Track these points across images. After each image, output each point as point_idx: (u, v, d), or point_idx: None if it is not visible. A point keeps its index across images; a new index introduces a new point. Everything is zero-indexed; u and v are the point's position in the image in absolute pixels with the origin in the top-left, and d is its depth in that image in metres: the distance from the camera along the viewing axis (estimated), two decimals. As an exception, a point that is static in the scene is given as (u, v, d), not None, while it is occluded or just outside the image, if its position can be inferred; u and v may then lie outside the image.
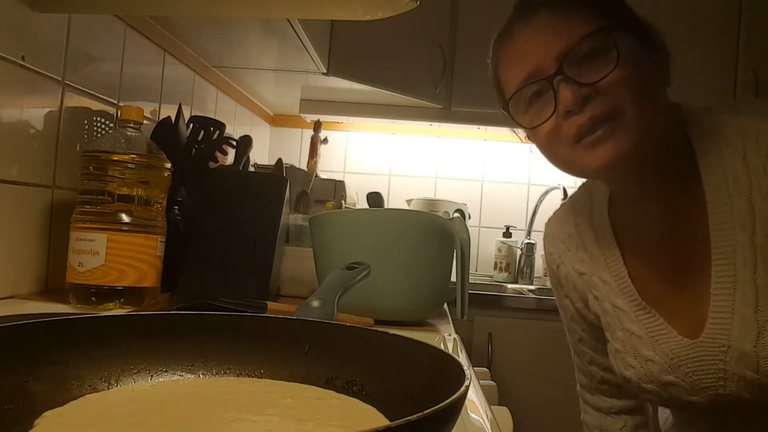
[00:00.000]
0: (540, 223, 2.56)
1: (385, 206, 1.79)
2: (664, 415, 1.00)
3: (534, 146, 0.81)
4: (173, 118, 1.19)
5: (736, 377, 0.72)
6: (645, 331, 0.80)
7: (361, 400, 0.47)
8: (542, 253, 2.46)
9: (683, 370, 0.76)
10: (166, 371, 0.49)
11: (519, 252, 2.51)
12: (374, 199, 1.60)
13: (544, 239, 0.97)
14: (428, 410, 0.31)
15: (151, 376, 0.48)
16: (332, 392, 0.48)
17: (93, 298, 0.88)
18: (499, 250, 2.50)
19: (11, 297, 0.94)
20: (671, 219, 0.78)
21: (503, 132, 2.49)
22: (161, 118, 1.23)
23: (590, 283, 0.87)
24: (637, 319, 0.81)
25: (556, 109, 0.73)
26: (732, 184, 0.72)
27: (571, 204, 0.93)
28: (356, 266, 0.76)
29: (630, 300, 0.82)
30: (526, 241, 2.50)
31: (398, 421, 0.29)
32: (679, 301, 0.79)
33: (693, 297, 0.77)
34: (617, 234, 0.84)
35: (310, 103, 2.30)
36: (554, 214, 0.96)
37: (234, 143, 1.27)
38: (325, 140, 2.56)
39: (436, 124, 2.44)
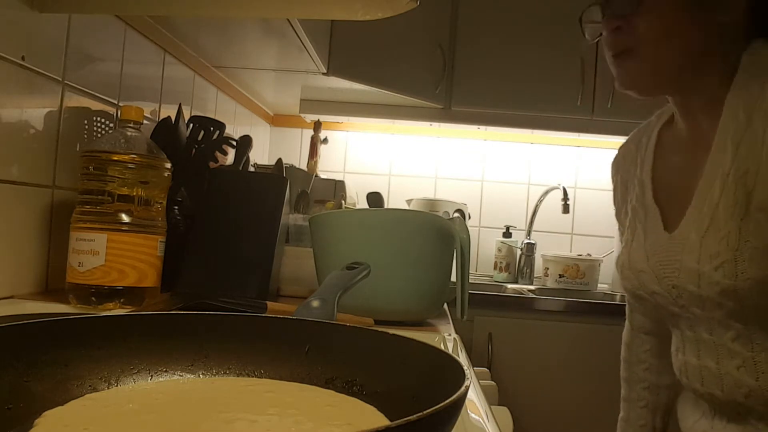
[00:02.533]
0: (540, 223, 2.57)
1: (385, 206, 1.79)
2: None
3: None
4: (173, 118, 1.19)
5: (685, 269, 0.82)
6: (645, 225, 0.91)
7: (361, 400, 0.47)
8: (542, 253, 2.46)
9: (655, 259, 0.87)
10: (166, 371, 0.49)
11: (519, 252, 2.51)
12: (374, 199, 1.60)
13: (614, 159, 1.07)
14: (428, 410, 0.31)
15: (151, 376, 0.48)
16: (332, 392, 0.48)
17: (93, 298, 0.88)
18: (499, 250, 2.50)
19: (11, 297, 0.94)
20: (697, 134, 0.88)
21: (503, 132, 2.50)
22: (161, 118, 1.23)
23: (630, 188, 0.98)
24: (647, 215, 0.92)
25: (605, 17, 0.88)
26: (744, 116, 0.78)
27: (645, 126, 1.03)
28: (356, 266, 0.76)
29: (646, 198, 0.93)
30: (526, 241, 2.50)
31: (398, 421, 0.29)
32: (674, 202, 0.89)
33: (687, 201, 0.86)
34: (659, 144, 0.96)
35: (310, 103, 2.30)
36: (629, 137, 1.05)
37: (234, 143, 1.27)
38: (325, 140, 2.56)
39: (436, 124, 2.44)
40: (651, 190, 0.93)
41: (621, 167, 1.03)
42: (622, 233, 1.01)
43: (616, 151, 1.09)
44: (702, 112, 0.87)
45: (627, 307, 1.09)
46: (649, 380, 1.06)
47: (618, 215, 1.04)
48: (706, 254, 0.79)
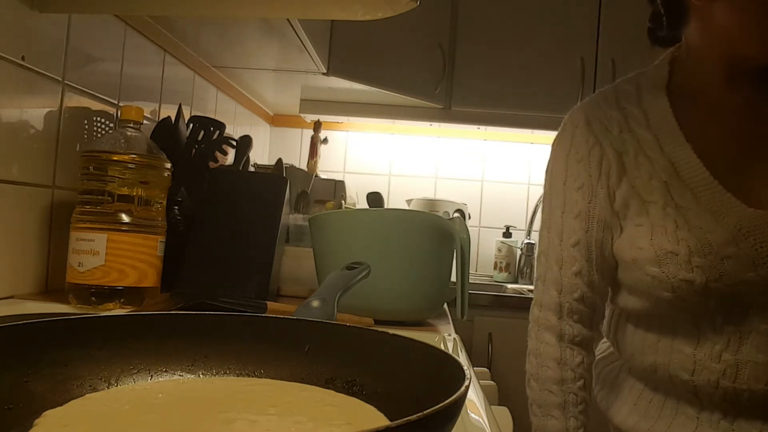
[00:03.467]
0: (540, 223, 2.57)
1: (385, 206, 1.79)
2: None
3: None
4: (173, 118, 1.19)
5: None
6: (706, 206, 0.80)
7: (361, 400, 0.47)
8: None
9: (749, 241, 0.77)
10: (166, 371, 0.49)
11: (519, 252, 2.51)
12: (374, 199, 1.60)
13: (569, 124, 0.94)
14: (428, 410, 0.31)
15: (151, 376, 0.48)
16: (332, 392, 0.48)
17: (93, 298, 0.88)
18: (499, 250, 2.50)
19: (11, 297, 0.94)
20: (756, 107, 0.83)
21: (503, 132, 2.50)
22: (161, 118, 1.23)
23: (632, 163, 0.85)
24: (698, 194, 0.81)
25: None
26: None
27: (613, 91, 0.91)
28: (356, 266, 0.76)
29: (694, 176, 0.81)
30: (526, 241, 2.50)
31: (398, 421, 0.29)
32: (747, 178, 0.81)
33: (762, 174, 0.79)
34: (678, 118, 0.84)
35: (310, 103, 2.30)
36: (584, 101, 0.94)
37: (234, 143, 1.27)
38: (325, 140, 2.56)
39: (436, 124, 2.44)
40: (701, 166, 0.81)
41: (606, 136, 0.88)
42: (618, 214, 0.87)
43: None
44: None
45: (557, 318, 0.92)
46: (585, 400, 0.90)
47: (611, 199, 0.87)
48: None
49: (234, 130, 1.98)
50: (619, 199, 0.87)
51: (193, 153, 1.20)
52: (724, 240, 0.78)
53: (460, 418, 0.36)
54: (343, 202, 1.84)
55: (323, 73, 1.74)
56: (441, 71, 2.19)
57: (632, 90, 0.89)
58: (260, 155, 2.45)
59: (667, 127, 0.84)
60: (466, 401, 0.37)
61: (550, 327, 0.94)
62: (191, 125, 1.23)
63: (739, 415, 0.81)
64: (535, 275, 0.99)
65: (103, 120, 1.14)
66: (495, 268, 2.51)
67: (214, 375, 0.50)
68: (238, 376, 0.50)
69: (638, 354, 0.91)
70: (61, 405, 0.42)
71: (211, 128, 1.23)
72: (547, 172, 0.98)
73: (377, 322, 0.98)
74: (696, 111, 0.86)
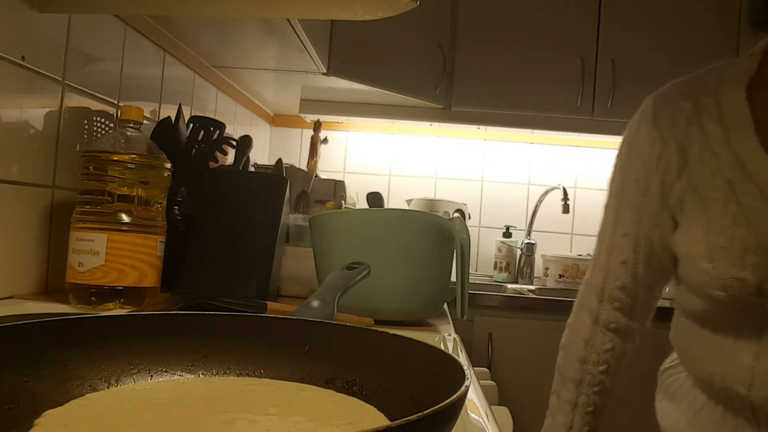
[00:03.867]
0: (540, 223, 2.57)
1: (385, 206, 1.79)
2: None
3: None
4: (173, 118, 1.19)
5: None
6: None
7: (361, 400, 0.47)
8: (542, 253, 2.46)
9: None
10: (166, 371, 0.49)
11: (519, 252, 2.51)
12: (374, 199, 1.60)
13: (642, 117, 0.90)
14: (428, 410, 0.31)
15: (151, 376, 0.48)
16: (332, 392, 0.48)
17: (93, 298, 0.88)
18: (499, 250, 2.50)
19: (11, 297, 0.94)
20: None
21: (503, 132, 2.50)
22: (161, 118, 1.23)
23: (696, 158, 0.82)
24: (764, 190, 0.76)
25: None
26: None
27: (692, 81, 0.87)
28: (356, 266, 0.76)
29: (761, 170, 0.77)
30: (526, 241, 2.50)
31: (398, 421, 0.29)
32: None
33: None
34: (756, 112, 0.80)
35: (310, 103, 2.30)
36: (662, 90, 0.90)
37: (234, 143, 1.27)
38: (325, 140, 2.56)
39: (436, 124, 2.44)
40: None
41: (672, 129, 0.84)
42: (673, 208, 0.85)
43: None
44: None
45: (597, 301, 0.95)
46: (604, 384, 0.94)
47: (667, 192, 0.85)
48: None
49: (234, 130, 1.98)
50: (676, 194, 0.84)
51: (193, 153, 1.20)
52: None
53: (460, 418, 0.36)
54: (343, 202, 1.84)
55: (323, 73, 1.74)
56: (441, 71, 2.19)
57: (712, 80, 0.85)
58: (260, 155, 2.45)
59: (739, 120, 0.80)
60: (466, 401, 0.37)
61: (589, 308, 0.97)
62: (191, 125, 1.23)
63: None
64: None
65: (103, 120, 1.14)
66: (495, 268, 2.51)
67: (214, 375, 0.50)
68: (238, 376, 0.50)
69: (698, 362, 0.87)
70: (61, 405, 0.42)
71: (211, 128, 1.23)
72: (616, 155, 0.97)
73: (377, 322, 0.98)
74: None
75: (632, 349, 0.97)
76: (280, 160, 1.64)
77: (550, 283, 2.39)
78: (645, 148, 0.88)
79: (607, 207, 0.97)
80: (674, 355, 0.99)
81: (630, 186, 0.91)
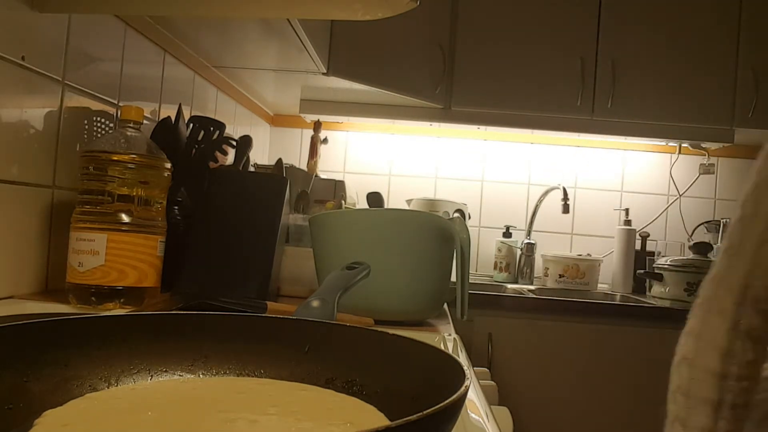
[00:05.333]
0: (540, 223, 2.57)
1: (385, 206, 1.79)
2: None
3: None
4: (173, 118, 1.19)
5: None
6: None
7: (361, 400, 0.47)
8: (542, 253, 2.46)
9: None
10: (166, 371, 0.49)
11: (519, 252, 2.51)
12: (374, 199, 1.60)
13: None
14: (428, 410, 0.31)
15: (151, 376, 0.48)
16: (332, 392, 0.48)
17: (93, 298, 0.88)
18: (499, 250, 2.50)
19: (11, 297, 0.94)
20: None
21: (503, 132, 2.50)
22: (161, 118, 1.23)
23: None
24: None
25: None
26: None
27: None
28: (356, 266, 0.76)
29: None
30: (526, 241, 2.50)
31: (398, 421, 0.29)
32: None
33: None
34: None
35: (310, 103, 2.30)
36: None
37: (234, 143, 1.27)
38: (325, 140, 2.56)
39: (436, 124, 2.44)
40: None
41: None
42: None
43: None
44: None
45: (726, 299, 0.75)
46: (747, 404, 0.77)
47: None
48: None
49: (234, 130, 1.98)
50: None
51: (193, 153, 1.20)
52: None
53: (460, 418, 0.36)
54: (343, 202, 1.84)
55: (323, 73, 1.74)
56: (441, 71, 2.19)
57: None
58: (260, 155, 2.45)
59: None
60: (466, 401, 0.37)
61: (722, 310, 0.77)
62: (191, 125, 1.23)
63: None
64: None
65: (103, 120, 1.14)
66: (495, 268, 2.51)
67: (214, 375, 0.50)
68: (238, 376, 0.50)
69: None
70: (61, 405, 0.42)
71: (211, 128, 1.23)
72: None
73: (377, 322, 0.98)
74: None
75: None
76: (280, 160, 1.64)
77: (550, 283, 2.39)
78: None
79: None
80: None
81: None
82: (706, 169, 2.52)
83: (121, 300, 0.89)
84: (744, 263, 0.78)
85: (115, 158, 0.89)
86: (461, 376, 0.38)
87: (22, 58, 0.92)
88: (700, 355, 0.76)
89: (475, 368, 1.24)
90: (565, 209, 2.35)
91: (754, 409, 0.80)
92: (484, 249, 2.58)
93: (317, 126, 2.32)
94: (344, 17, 0.95)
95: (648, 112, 2.20)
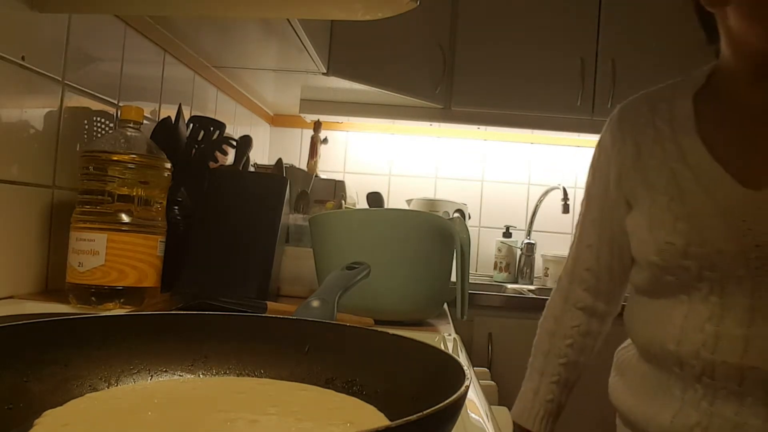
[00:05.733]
0: (540, 223, 2.57)
1: (385, 206, 1.79)
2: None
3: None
4: (173, 118, 1.19)
5: None
6: (704, 185, 0.87)
7: (361, 400, 0.47)
8: (542, 253, 2.46)
9: (734, 214, 0.84)
10: (166, 371, 0.49)
11: (519, 252, 2.51)
12: (374, 199, 1.60)
13: (609, 122, 1.05)
14: (428, 410, 0.31)
15: (151, 376, 0.48)
16: (332, 392, 0.48)
17: (93, 298, 0.88)
18: (499, 250, 2.50)
19: (11, 297, 0.94)
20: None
21: (503, 132, 2.50)
22: (161, 118, 1.23)
23: (648, 151, 0.95)
24: (699, 175, 0.88)
25: None
26: None
27: (653, 92, 1.01)
28: (356, 266, 0.76)
29: (699, 160, 0.89)
30: (526, 241, 2.50)
31: (398, 421, 0.29)
32: (751, 165, 0.86)
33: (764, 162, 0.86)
34: (699, 114, 0.93)
35: (310, 103, 2.30)
36: (629, 100, 1.04)
37: (234, 143, 1.27)
38: (325, 140, 2.56)
39: (436, 124, 2.44)
40: (705, 150, 0.89)
41: (629, 130, 0.99)
42: (627, 196, 0.97)
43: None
44: None
45: (567, 282, 1.09)
46: (569, 356, 1.07)
47: (624, 179, 0.98)
48: None
49: (234, 130, 1.98)
50: (630, 181, 0.97)
51: (193, 153, 1.20)
52: (711, 211, 0.85)
53: (460, 418, 0.36)
54: (343, 202, 1.84)
55: (323, 73, 1.74)
56: (441, 71, 2.19)
57: (668, 91, 0.99)
58: (260, 155, 2.45)
59: (685, 121, 0.93)
60: (466, 401, 0.37)
61: (561, 289, 1.11)
62: (191, 125, 1.23)
63: (716, 396, 0.85)
64: None
65: (103, 120, 1.14)
66: (495, 268, 2.51)
67: (214, 375, 0.50)
68: (238, 376, 0.50)
69: (641, 329, 0.97)
70: (61, 405, 0.42)
71: (211, 128, 1.23)
72: (591, 158, 1.10)
73: (377, 322, 0.98)
74: (718, 111, 0.93)
75: (600, 330, 1.08)
76: (280, 160, 1.64)
77: (550, 283, 2.39)
78: (608, 146, 1.02)
79: (582, 201, 1.10)
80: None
81: (597, 180, 1.05)
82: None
83: (121, 300, 0.89)
84: (572, 255, 1.11)
85: (115, 158, 0.89)
86: (461, 376, 0.38)
87: (22, 58, 0.92)
88: (545, 319, 1.13)
89: (475, 368, 1.24)
90: (565, 209, 2.35)
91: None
92: (484, 249, 2.58)
93: (317, 126, 2.33)
94: (344, 17, 0.95)
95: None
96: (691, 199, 0.87)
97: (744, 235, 0.82)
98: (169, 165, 0.96)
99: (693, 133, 0.91)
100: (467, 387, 0.36)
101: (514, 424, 1.10)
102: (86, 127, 1.10)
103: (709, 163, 0.87)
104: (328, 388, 0.49)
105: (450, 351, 0.52)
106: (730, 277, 0.84)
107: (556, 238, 2.58)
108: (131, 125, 0.93)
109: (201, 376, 0.50)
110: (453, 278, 1.10)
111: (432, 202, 2.30)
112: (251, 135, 1.41)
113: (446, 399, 0.33)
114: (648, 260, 0.92)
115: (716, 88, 0.95)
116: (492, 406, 0.74)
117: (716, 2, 0.91)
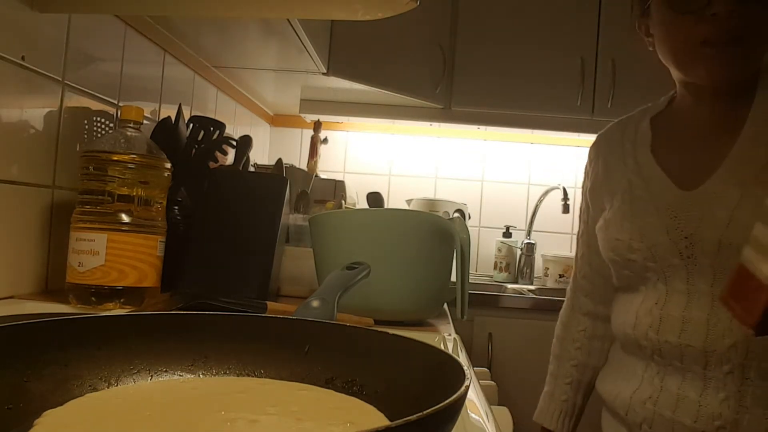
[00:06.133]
0: (540, 223, 2.57)
1: (385, 206, 1.79)
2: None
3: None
4: (173, 118, 1.19)
5: (709, 217, 0.90)
6: (653, 191, 0.98)
7: (361, 400, 0.47)
8: (542, 253, 2.46)
9: (668, 212, 0.94)
10: (166, 371, 0.49)
11: (519, 252, 2.51)
12: (374, 199, 1.60)
13: (591, 147, 1.17)
14: (428, 410, 0.31)
15: (151, 376, 0.48)
16: (332, 392, 0.48)
17: (93, 298, 0.88)
18: (499, 250, 2.50)
19: (11, 297, 0.94)
20: (715, 124, 0.98)
21: (503, 132, 2.50)
22: (161, 118, 1.23)
23: (614, 166, 1.07)
24: (649, 183, 0.99)
25: (708, 5, 0.87)
26: (764, 126, 0.92)
27: (627, 118, 1.13)
28: (356, 266, 0.76)
29: (651, 173, 1.00)
30: (526, 241, 2.50)
31: (398, 421, 0.29)
32: (692, 171, 0.96)
33: (702, 168, 0.95)
34: (656, 132, 1.04)
35: (310, 103, 2.30)
36: (607, 127, 1.16)
37: (234, 143, 1.27)
38: (325, 140, 2.56)
39: (436, 124, 2.44)
40: (654, 162, 1.01)
41: (603, 151, 1.12)
42: (599, 207, 1.09)
43: None
44: (732, 94, 0.96)
45: (572, 290, 1.20)
46: (578, 359, 1.15)
47: (595, 192, 1.10)
48: (747, 202, 0.87)
49: (234, 130, 1.98)
50: (601, 194, 1.09)
51: (193, 153, 1.20)
52: (652, 211, 0.96)
53: (460, 418, 0.36)
54: (343, 202, 1.84)
55: (323, 73, 1.74)
56: (441, 71, 2.19)
57: (639, 115, 1.11)
58: (260, 155, 2.45)
59: (643, 140, 1.05)
60: (466, 401, 0.37)
61: (568, 297, 1.21)
62: (191, 125, 1.23)
63: (666, 373, 0.94)
64: None
65: (103, 120, 1.14)
66: (495, 268, 2.51)
67: (214, 375, 0.50)
68: (238, 376, 0.50)
69: (614, 320, 1.06)
70: (61, 405, 0.42)
71: (211, 128, 1.23)
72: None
73: (377, 322, 0.98)
74: (670, 130, 1.04)
75: (605, 333, 1.14)
76: (280, 160, 1.64)
77: (550, 283, 2.39)
78: (587, 165, 1.16)
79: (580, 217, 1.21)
80: None
81: (583, 198, 1.17)
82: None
83: (121, 300, 0.89)
84: (574, 266, 1.17)
85: (115, 158, 0.89)
86: (461, 376, 0.38)
87: (22, 58, 0.92)
88: (557, 327, 1.21)
89: (475, 368, 1.24)
90: (565, 209, 2.35)
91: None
92: (484, 249, 2.58)
93: (317, 126, 2.32)
94: (344, 17, 0.95)
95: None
96: (639, 203, 0.99)
97: (675, 228, 0.93)
98: (169, 165, 0.96)
99: (648, 149, 1.03)
100: (467, 387, 0.36)
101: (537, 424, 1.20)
102: (86, 127, 1.10)
103: (658, 173, 0.99)
104: (328, 388, 0.49)
105: (450, 351, 0.52)
106: (668, 266, 0.94)
107: (556, 238, 2.58)
108: (131, 125, 0.93)
109: (201, 376, 0.50)
110: (453, 278, 1.10)
111: (432, 202, 2.30)
112: (251, 135, 1.41)
113: (446, 399, 0.33)
114: (607, 257, 1.03)
115: (671, 111, 1.07)
116: (492, 406, 0.74)
117: (645, 33, 1.05)
